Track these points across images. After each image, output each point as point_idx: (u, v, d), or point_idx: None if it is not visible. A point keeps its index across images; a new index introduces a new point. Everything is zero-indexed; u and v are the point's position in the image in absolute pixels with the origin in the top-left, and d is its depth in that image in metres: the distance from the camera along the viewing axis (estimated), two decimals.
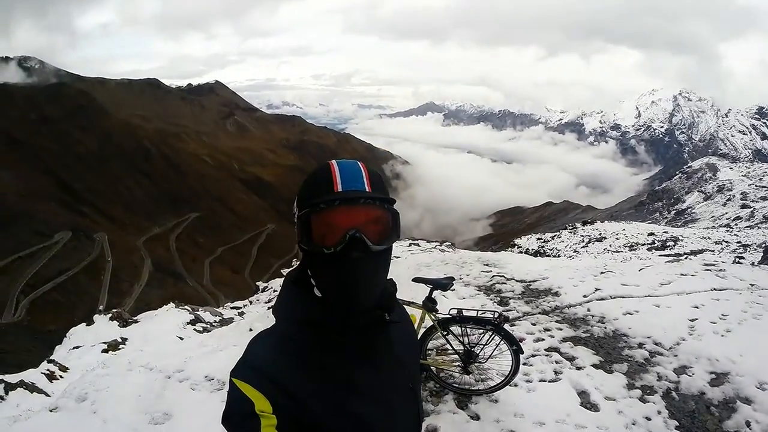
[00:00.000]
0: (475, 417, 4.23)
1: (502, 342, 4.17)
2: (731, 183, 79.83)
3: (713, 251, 32.57)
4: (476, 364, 4.39)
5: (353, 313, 1.28)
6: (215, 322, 12.57)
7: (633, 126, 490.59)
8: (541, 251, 43.69)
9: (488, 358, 4.26)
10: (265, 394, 1.18)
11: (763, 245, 31.10)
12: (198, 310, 13.28)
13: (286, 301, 1.39)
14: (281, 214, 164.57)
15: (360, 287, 1.25)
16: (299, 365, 1.26)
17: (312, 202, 1.24)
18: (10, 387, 6.97)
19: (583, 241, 44.42)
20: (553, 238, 49.25)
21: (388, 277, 1.42)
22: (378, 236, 1.27)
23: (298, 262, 1.43)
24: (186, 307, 13.35)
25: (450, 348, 4.39)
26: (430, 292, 4.29)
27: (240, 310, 15.44)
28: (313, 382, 1.25)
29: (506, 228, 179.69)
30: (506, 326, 4.33)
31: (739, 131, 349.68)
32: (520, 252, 43.85)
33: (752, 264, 18.81)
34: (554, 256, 37.03)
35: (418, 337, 4.37)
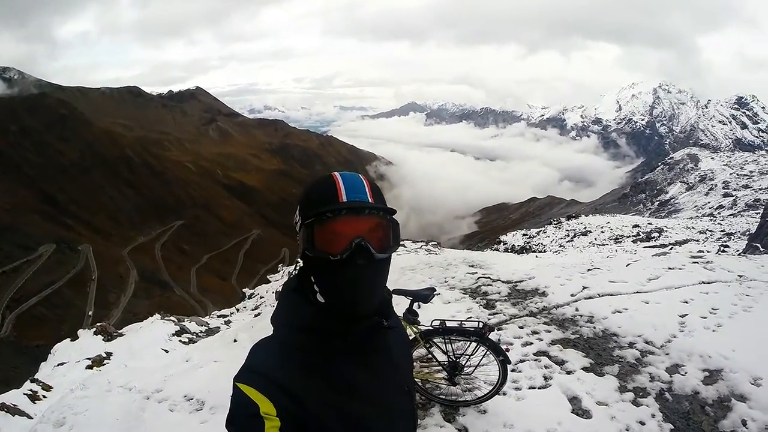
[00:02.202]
0: (463, 430, 4.11)
1: (488, 353, 4.04)
2: (713, 172, 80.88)
3: (698, 241, 32.88)
4: (462, 375, 4.25)
5: (355, 319, 1.34)
6: (201, 332, 12.45)
7: (614, 119, 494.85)
8: (527, 247, 43.96)
9: (474, 368, 4.13)
10: (269, 397, 1.21)
11: (747, 233, 31.42)
12: (183, 321, 13.15)
13: (286, 309, 1.44)
14: (266, 220, 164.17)
15: (362, 293, 1.31)
16: (301, 370, 1.31)
17: (318, 210, 1.29)
18: None
19: (569, 236, 44.74)
20: (538, 233, 49.63)
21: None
22: (381, 245, 1.33)
23: (296, 271, 1.52)
24: (171, 318, 13.22)
25: (434, 360, 4.25)
26: (411, 304, 4.13)
27: (227, 319, 15.32)
28: (315, 387, 1.29)
29: (492, 225, 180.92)
30: (492, 334, 4.20)
31: (719, 121, 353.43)
32: (506, 249, 44.11)
33: (737, 252, 18.93)
34: (540, 252, 37.22)
35: None
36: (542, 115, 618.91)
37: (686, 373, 4.67)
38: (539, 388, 4.68)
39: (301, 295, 1.40)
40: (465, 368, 4.16)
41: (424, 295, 4.06)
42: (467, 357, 4.12)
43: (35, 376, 9.51)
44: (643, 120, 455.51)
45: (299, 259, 1.49)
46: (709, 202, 68.77)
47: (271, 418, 1.19)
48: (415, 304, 4.15)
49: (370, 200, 1.32)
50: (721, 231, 37.54)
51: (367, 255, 1.28)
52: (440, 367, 4.27)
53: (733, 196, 65.55)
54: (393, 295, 4.29)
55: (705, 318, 5.83)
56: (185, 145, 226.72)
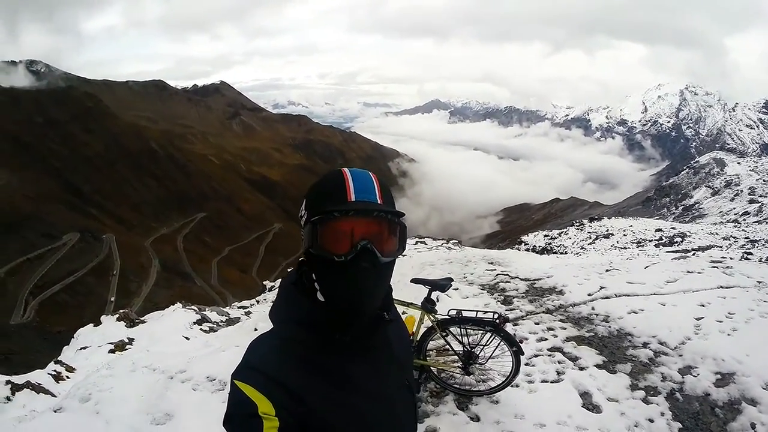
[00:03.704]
0: (475, 418, 4.20)
1: (502, 343, 4.14)
2: (739, 178, 79.60)
3: (721, 247, 32.40)
4: (477, 365, 4.36)
5: (357, 319, 1.31)
6: (222, 321, 12.57)
7: (639, 121, 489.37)
8: (548, 248, 43.61)
9: (488, 358, 4.23)
10: (268, 396, 1.19)
11: None
12: (204, 310, 13.28)
13: (285, 304, 1.41)
14: (288, 214, 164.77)
15: (365, 296, 1.28)
16: (301, 366, 1.28)
17: (325, 209, 1.27)
18: (16, 388, 6.96)
19: (590, 238, 44.30)
20: (560, 234, 49.20)
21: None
22: (387, 248, 1.30)
23: (297, 264, 1.46)
24: (192, 307, 13.35)
25: (450, 349, 4.36)
26: (429, 293, 4.27)
27: (247, 310, 15.44)
28: (315, 383, 1.27)
29: (513, 225, 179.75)
30: (507, 326, 4.29)
31: (747, 125, 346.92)
32: (527, 249, 43.80)
33: (760, 260, 18.67)
34: (561, 253, 36.94)
35: (418, 338, 4.39)
36: (567, 115, 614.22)
37: (698, 374, 4.71)
38: (551, 382, 4.75)
39: (300, 289, 1.39)
40: (479, 358, 4.27)
41: (442, 285, 4.19)
42: (482, 347, 4.22)
43: (58, 359, 9.75)
44: (669, 122, 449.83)
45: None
46: (734, 208, 67.68)
47: (269, 418, 1.16)
48: (433, 294, 4.30)
49: (378, 201, 1.31)
50: (745, 238, 36.95)
51: (372, 258, 1.25)
52: (456, 357, 4.37)
53: (759, 202, 64.45)
54: (414, 284, 4.44)
55: (721, 322, 5.83)
56: (209, 138, 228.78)
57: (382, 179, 1.37)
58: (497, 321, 4.06)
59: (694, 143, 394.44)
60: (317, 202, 1.31)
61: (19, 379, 7.41)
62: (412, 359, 1.85)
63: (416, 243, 22.87)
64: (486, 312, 4.17)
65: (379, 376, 1.41)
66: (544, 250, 41.95)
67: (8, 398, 6.69)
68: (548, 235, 49.88)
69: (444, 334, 4.26)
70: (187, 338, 10.32)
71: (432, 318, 4.26)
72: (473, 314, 4.19)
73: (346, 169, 1.35)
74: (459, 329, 4.26)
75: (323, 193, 1.32)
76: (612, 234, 43.46)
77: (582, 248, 41.52)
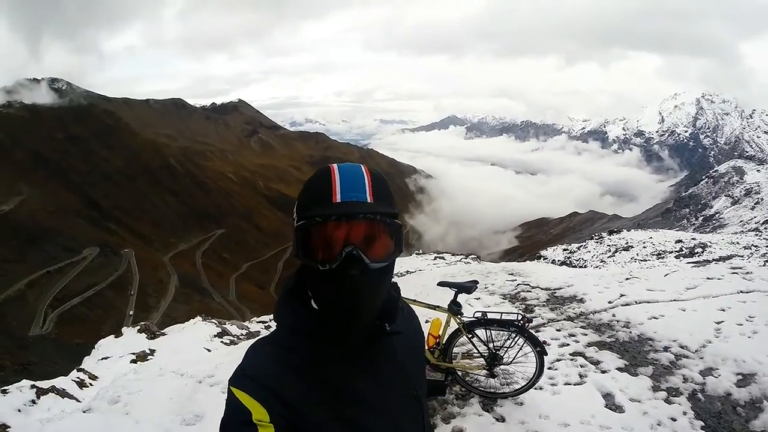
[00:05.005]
0: (501, 419, 4.28)
1: (525, 344, 4.24)
2: (759, 186, 78.82)
3: (742, 256, 32.00)
4: (501, 367, 4.45)
5: (352, 329, 1.22)
6: (242, 335, 12.64)
7: (657, 132, 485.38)
8: (568, 262, 43.32)
9: (512, 360, 4.33)
10: (262, 404, 1.15)
11: None
12: (225, 324, 13.38)
13: (283, 310, 1.35)
14: None
15: (358, 305, 1.18)
16: (297, 375, 1.23)
17: (308, 213, 1.19)
18: (41, 392, 7.11)
19: (610, 251, 44.01)
20: (579, 248, 48.91)
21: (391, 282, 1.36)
22: (377, 253, 1.20)
23: (296, 269, 1.38)
24: (213, 320, 13.46)
25: (475, 351, 4.46)
26: (455, 296, 4.40)
27: (266, 324, 15.54)
28: (311, 392, 1.22)
29: (532, 240, 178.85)
30: (530, 329, 4.39)
31: (765, 132, 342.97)
32: (546, 263, 43.54)
33: None
34: (581, 267, 36.68)
35: (444, 340, 4.50)
36: (583, 128, 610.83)
37: (719, 375, 4.77)
38: (574, 385, 4.84)
39: (296, 297, 1.32)
40: (504, 359, 4.37)
41: (468, 287, 4.34)
42: (506, 349, 4.32)
43: (81, 367, 9.90)
44: (686, 132, 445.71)
45: None
46: (755, 217, 66.99)
47: (264, 425, 1.13)
48: (459, 297, 4.43)
49: (369, 200, 1.19)
50: (767, 246, 36.50)
51: (360, 264, 1.15)
52: (481, 358, 4.47)
53: None
54: (440, 287, 4.53)
55: (741, 325, 5.88)
56: (227, 156, 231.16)
57: (375, 173, 1.27)
58: (521, 322, 4.17)
59: (712, 152, 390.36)
60: (303, 206, 1.24)
61: (44, 384, 7.57)
62: (423, 368, 1.73)
63: (435, 258, 22.99)
64: (510, 312, 4.28)
65: (382, 388, 1.34)
66: (563, 264, 41.62)
67: (33, 401, 6.87)
68: (567, 249, 49.65)
69: (470, 336, 4.36)
70: (209, 350, 10.42)
71: (458, 320, 4.37)
72: (497, 316, 4.31)
73: (334, 166, 1.25)
74: (484, 331, 4.37)
75: (309, 195, 1.24)
76: (632, 246, 43.14)
77: (602, 261, 41.30)
